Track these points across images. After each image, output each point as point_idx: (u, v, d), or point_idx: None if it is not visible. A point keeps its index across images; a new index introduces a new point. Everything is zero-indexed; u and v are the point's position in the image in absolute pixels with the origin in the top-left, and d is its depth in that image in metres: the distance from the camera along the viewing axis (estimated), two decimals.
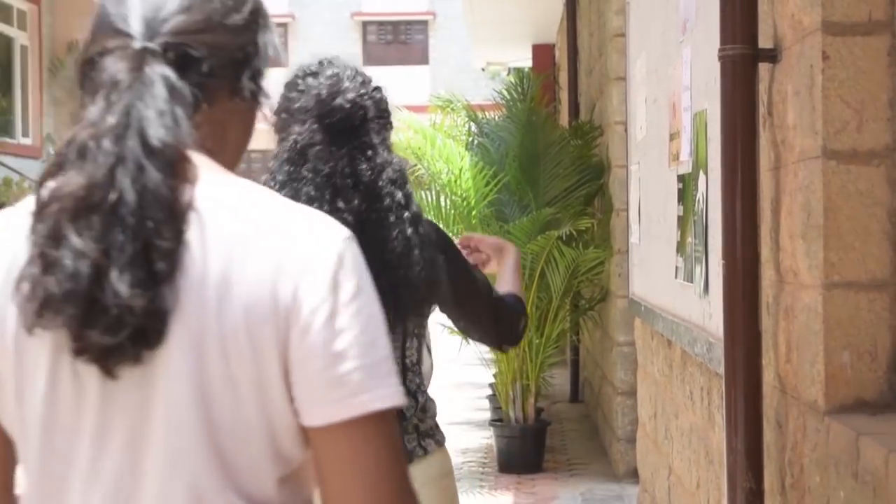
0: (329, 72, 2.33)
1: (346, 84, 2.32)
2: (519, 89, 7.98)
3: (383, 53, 32.60)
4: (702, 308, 3.40)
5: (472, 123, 8.15)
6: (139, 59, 1.21)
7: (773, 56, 2.63)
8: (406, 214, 2.30)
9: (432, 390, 2.54)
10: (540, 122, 7.16)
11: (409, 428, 2.35)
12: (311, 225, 1.22)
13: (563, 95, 10.72)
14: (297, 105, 2.31)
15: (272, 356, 1.17)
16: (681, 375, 3.99)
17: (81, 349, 1.14)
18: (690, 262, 3.59)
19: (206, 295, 1.16)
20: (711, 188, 3.19)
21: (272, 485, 1.22)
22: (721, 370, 2.79)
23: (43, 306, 1.13)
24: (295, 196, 2.21)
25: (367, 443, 1.19)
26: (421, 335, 2.43)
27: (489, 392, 8.23)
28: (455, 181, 6.99)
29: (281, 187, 2.26)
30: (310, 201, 2.22)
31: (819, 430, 2.30)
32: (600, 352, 7.67)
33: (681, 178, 3.77)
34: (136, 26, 1.24)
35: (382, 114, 2.36)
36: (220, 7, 1.28)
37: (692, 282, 3.54)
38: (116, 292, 1.11)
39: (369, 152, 2.30)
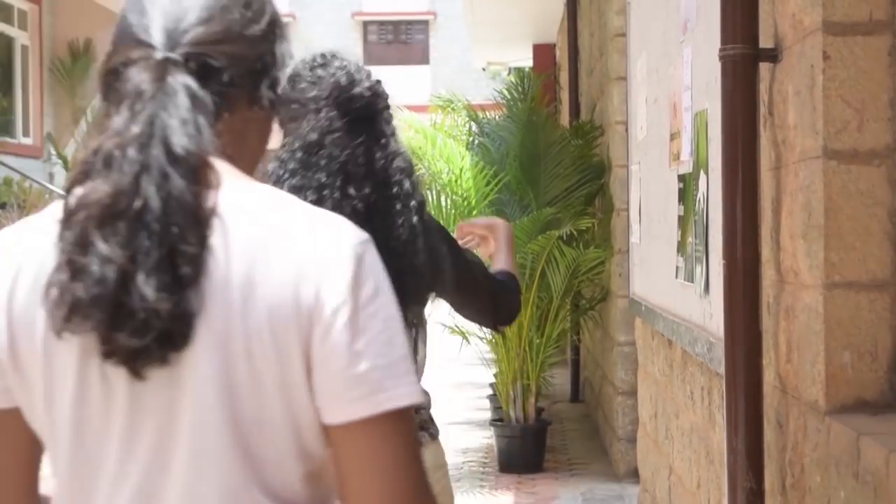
0: (337, 63, 2.36)
1: (358, 75, 2.35)
2: (519, 89, 7.98)
3: (384, 53, 32.60)
4: (702, 308, 3.40)
5: (472, 123, 8.15)
6: (162, 70, 1.24)
7: (773, 56, 2.63)
8: (412, 203, 2.33)
9: (433, 389, 2.54)
10: (540, 122, 7.16)
11: None
12: (331, 228, 1.25)
13: (564, 95, 10.72)
14: (310, 94, 2.32)
15: (295, 355, 1.21)
16: (681, 375, 3.99)
17: (110, 352, 1.17)
18: (691, 261, 3.59)
19: (230, 297, 1.19)
20: (712, 188, 3.19)
21: (297, 482, 1.25)
22: (721, 370, 2.79)
23: (71, 311, 1.16)
24: (306, 183, 2.23)
25: (385, 440, 1.21)
26: (418, 325, 2.44)
27: (489, 392, 8.22)
28: (456, 181, 6.99)
29: (292, 175, 2.26)
30: (321, 188, 2.23)
31: (820, 430, 2.30)
32: (601, 351, 7.67)
33: (681, 178, 3.77)
34: (157, 37, 1.27)
35: (388, 106, 2.40)
36: (239, 18, 1.31)
37: (693, 282, 3.54)
38: (143, 296, 1.14)
39: (383, 141, 2.33)
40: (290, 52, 1.40)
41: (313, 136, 2.28)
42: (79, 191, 1.20)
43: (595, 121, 7.61)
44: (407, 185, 2.33)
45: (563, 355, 9.65)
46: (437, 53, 33.02)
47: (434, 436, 2.45)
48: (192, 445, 1.20)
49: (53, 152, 15.88)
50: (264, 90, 1.34)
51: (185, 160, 1.19)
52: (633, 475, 6.01)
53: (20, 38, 15.67)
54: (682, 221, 3.76)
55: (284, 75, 1.40)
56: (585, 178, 6.98)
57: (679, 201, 3.82)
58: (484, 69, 18.43)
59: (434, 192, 7.15)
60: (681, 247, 3.79)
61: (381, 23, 33.85)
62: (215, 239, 1.19)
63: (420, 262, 2.30)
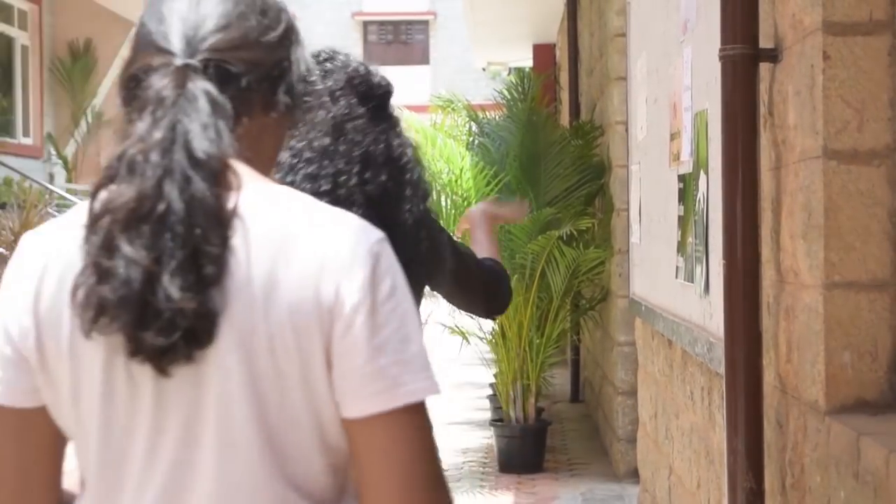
0: (342, 56, 2.38)
1: (370, 66, 2.39)
2: (519, 89, 7.97)
3: (384, 53, 32.60)
4: (702, 308, 3.39)
5: (472, 123, 8.14)
6: (182, 76, 1.28)
7: (773, 56, 2.63)
8: (420, 192, 2.34)
9: None
10: (541, 122, 7.16)
11: None
12: (349, 228, 1.29)
13: (564, 95, 10.72)
14: (322, 86, 2.33)
15: (316, 351, 1.24)
16: (681, 375, 3.99)
17: (136, 350, 1.20)
18: (691, 261, 3.59)
19: (252, 296, 1.23)
20: (712, 188, 3.19)
21: (320, 474, 1.29)
22: (721, 370, 2.79)
23: (99, 313, 1.20)
24: (322, 171, 2.24)
25: (403, 434, 1.25)
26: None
27: (489, 392, 8.22)
28: (456, 181, 6.99)
29: (307, 164, 2.26)
30: (338, 174, 2.24)
31: (820, 430, 2.30)
32: (601, 352, 7.67)
33: (681, 178, 3.77)
34: (177, 44, 1.31)
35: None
36: (256, 25, 1.35)
37: (693, 282, 3.54)
38: (169, 296, 1.18)
39: (398, 129, 2.36)
40: (305, 58, 1.44)
41: (332, 124, 2.29)
42: (103, 195, 1.23)
43: (595, 121, 7.61)
44: (417, 172, 2.35)
45: (563, 355, 9.65)
46: (437, 53, 33.03)
47: None
48: (220, 439, 1.24)
49: (53, 152, 15.89)
50: (280, 95, 1.38)
51: (207, 163, 1.23)
52: (633, 475, 6.00)
53: (20, 38, 15.67)
54: (682, 221, 3.76)
55: (300, 81, 1.43)
56: (585, 178, 6.97)
57: (679, 201, 3.82)
58: (484, 69, 18.43)
59: (434, 192, 7.15)
60: (681, 247, 3.79)
61: (381, 23, 33.86)
62: (236, 239, 1.23)
63: (424, 249, 2.31)
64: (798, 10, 2.44)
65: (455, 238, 2.62)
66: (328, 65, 2.36)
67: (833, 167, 2.29)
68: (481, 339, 7.28)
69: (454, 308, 2.74)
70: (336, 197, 2.18)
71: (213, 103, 1.27)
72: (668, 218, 4.06)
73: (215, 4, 1.35)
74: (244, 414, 1.24)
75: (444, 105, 8.73)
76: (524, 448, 6.83)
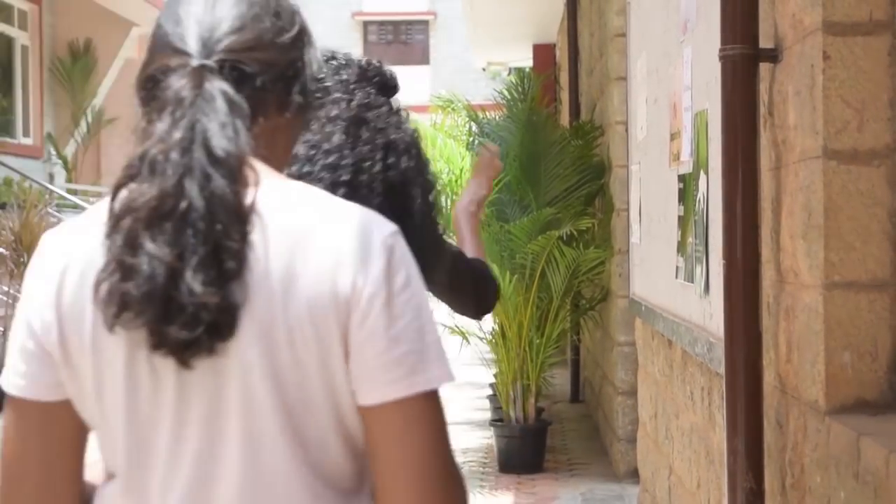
0: (342, 56, 2.39)
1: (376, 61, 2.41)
2: (519, 89, 7.97)
3: (384, 53, 32.59)
4: (702, 308, 3.40)
5: (472, 123, 8.15)
6: (199, 76, 1.31)
7: (773, 56, 2.63)
8: (428, 183, 2.36)
9: None
10: (540, 122, 7.16)
11: None
12: (363, 222, 1.32)
13: (564, 95, 10.72)
14: (333, 81, 2.34)
15: (335, 342, 1.28)
16: (681, 375, 3.99)
17: (159, 343, 1.24)
18: (691, 262, 3.59)
19: (271, 289, 1.27)
20: (712, 188, 3.19)
21: (342, 461, 1.33)
22: (721, 370, 2.79)
23: (122, 308, 1.23)
24: (343, 159, 2.24)
25: (417, 421, 1.29)
26: None
27: (489, 392, 8.22)
28: (456, 181, 7.00)
29: (327, 154, 2.26)
30: (361, 161, 2.24)
31: (820, 431, 2.30)
32: (601, 352, 7.67)
33: (681, 178, 3.77)
34: (193, 45, 1.35)
35: None
36: (270, 27, 1.39)
37: (693, 282, 3.54)
38: (191, 291, 1.22)
39: (409, 117, 2.39)
40: (318, 60, 1.47)
41: (353, 113, 2.30)
42: (124, 194, 1.26)
43: (595, 121, 7.61)
44: (423, 160, 2.38)
45: (563, 355, 9.65)
46: (437, 53, 33.03)
47: None
48: (244, 430, 1.28)
49: (53, 152, 15.88)
50: (294, 95, 1.41)
51: (226, 161, 1.26)
52: (633, 475, 6.00)
53: (20, 38, 15.66)
54: (682, 221, 3.76)
55: (313, 81, 1.45)
56: (585, 179, 6.97)
57: (679, 201, 3.82)
58: (484, 69, 18.42)
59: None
60: (681, 247, 3.79)
61: (381, 23, 33.86)
62: (255, 234, 1.26)
63: (431, 237, 2.33)
64: (798, 10, 2.44)
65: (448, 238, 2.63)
66: (333, 62, 2.37)
67: (833, 167, 2.29)
68: (481, 339, 7.28)
69: (447, 305, 2.74)
70: (357, 184, 2.20)
71: (231, 103, 1.30)
72: (668, 218, 4.06)
73: (230, 7, 1.38)
74: (268, 403, 1.27)
75: (444, 105, 8.74)
76: (524, 448, 6.83)
